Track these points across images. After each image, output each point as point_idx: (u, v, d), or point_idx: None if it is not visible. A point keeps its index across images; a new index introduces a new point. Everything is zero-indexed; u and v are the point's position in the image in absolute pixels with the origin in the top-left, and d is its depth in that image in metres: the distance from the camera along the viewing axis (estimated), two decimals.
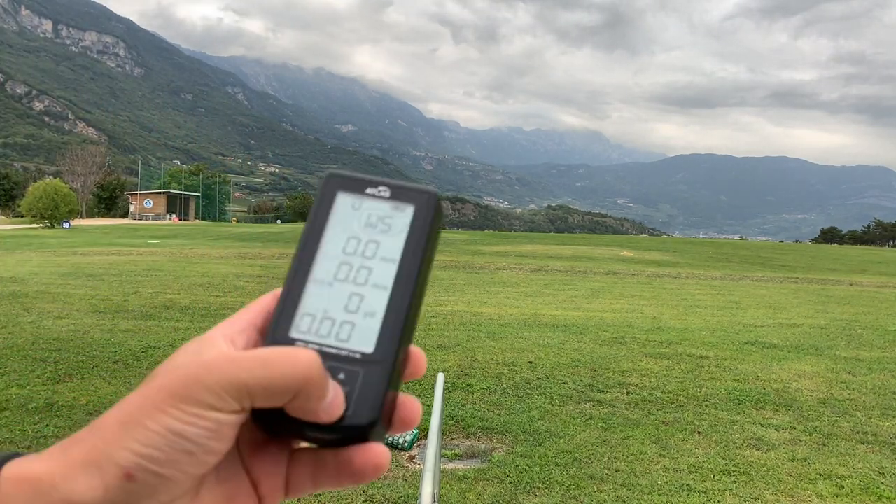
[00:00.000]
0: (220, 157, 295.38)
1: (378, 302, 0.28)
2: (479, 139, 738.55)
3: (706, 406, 3.81)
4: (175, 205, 52.36)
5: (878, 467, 2.98)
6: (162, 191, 52.52)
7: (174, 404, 0.23)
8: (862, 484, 2.80)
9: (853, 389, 4.29)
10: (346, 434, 0.26)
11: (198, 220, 52.35)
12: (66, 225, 30.12)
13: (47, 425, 3.10)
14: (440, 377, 2.05)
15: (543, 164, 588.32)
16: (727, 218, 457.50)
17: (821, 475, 2.87)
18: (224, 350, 0.25)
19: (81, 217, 45.53)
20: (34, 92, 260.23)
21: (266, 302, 0.29)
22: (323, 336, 0.27)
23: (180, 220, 49.54)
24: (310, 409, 0.25)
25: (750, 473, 2.85)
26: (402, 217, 0.30)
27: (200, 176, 60.31)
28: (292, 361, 0.24)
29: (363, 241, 0.29)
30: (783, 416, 3.69)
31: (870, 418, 3.69)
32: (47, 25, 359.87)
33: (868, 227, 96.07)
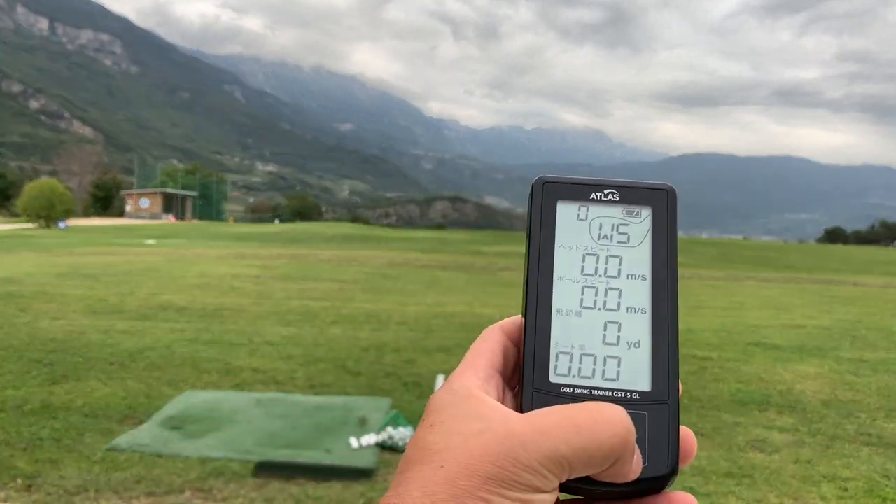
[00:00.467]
0: (218, 156, 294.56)
1: (640, 329, 0.25)
2: (479, 138, 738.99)
3: (709, 408, 3.78)
4: (172, 204, 52.21)
5: (882, 469, 2.96)
6: (158, 190, 52.32)
7: (494, 490, 0.20)
8: (866, 486, 2.78)
9: (857, 391, 4.27)
10: (645, 487, 0.23)
11: (195, 220, 52.18)
12: (61, 225, 29.94)
13: (43, 427, 3.06)
14: (440, 378, 2.02)
15: (545, 164, 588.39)
16: (731, 217, 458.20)
17: (825, 477, 2.85)
18: (520, 417, 0.22)
19: (77, 217, 45.35)
20: (30, 90, 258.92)
21: (497, 340, 0.26)
22: (587, 377, 0.25)
23: (177, 219, 49.39)
24: (621, 473, 0.22)
25: (753, 476, 2.83)
26: (640, 223, 0.26)
27: (197, 175, 60.07)
28: (609, 424, 0.21)
29: (602, 257, 0.26)
30: (787, 417, 3.67)
31: (874, 420, 3.68)
32: (43, 24, 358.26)
33: (873, 226, 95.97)
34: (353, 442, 2.93)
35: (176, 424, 3.14)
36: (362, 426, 3.16)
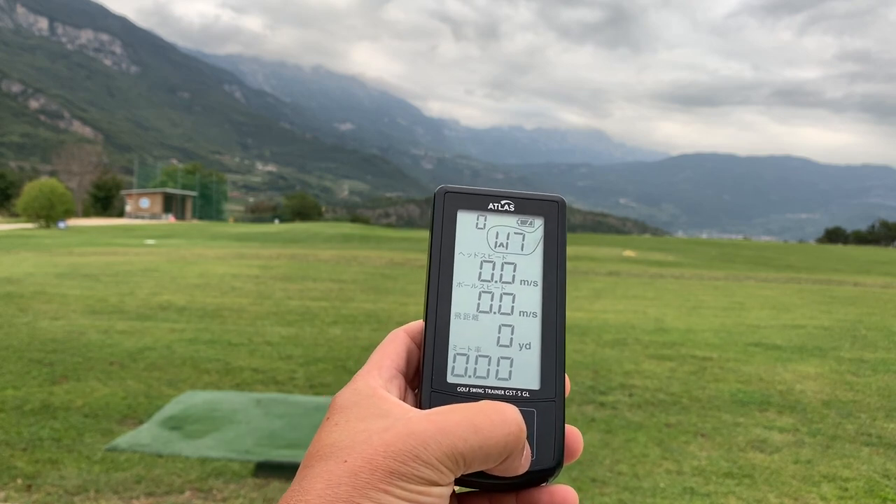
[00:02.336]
0: (217, 156, 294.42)
1: (531, 331, 0.27)
2: (479, 138, 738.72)
3: (709, 408, 3.78)
4: (172, 204, 52.20)
5: (882, 469, 2.96)
6: (158, 190, 52.29)
7: (395, 483, 0.21)
8: (866, 486, 2.77)
9: (857, 391, 4.27)
10: (531, 479, 0.25)
11: (195, 220, 52.16)
12: (61, 225, 29.92)
13: (43, 427, 3.06)
14: None
15: (545, 163, 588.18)
16: (731, 218, 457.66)
17: (825, 477, 2.84)
18: (421, 415, 0.23)
19: (77, 217, 45.32)
20: (29, 90, 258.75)
21: (401, 342, 0.27)
22: (482, 377, 0.26)
23: (177, 219, 49.36)
24: (512, 468, 0.24)
25: (753, 476, 2.83)
26: (533, 232, 0.28)
27: (197, 175, 60.02)
28: (504, 424, 0.23)
29: (498, 263, 0.27)
30: (787, 417, 3.67)
31: (874, 420, 3.68)
32: (43, 23, 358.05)
33: (873, 226, 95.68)
34: None
35: (176, 424, 3.14)
36: None
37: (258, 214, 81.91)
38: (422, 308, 0.27)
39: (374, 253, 17.34)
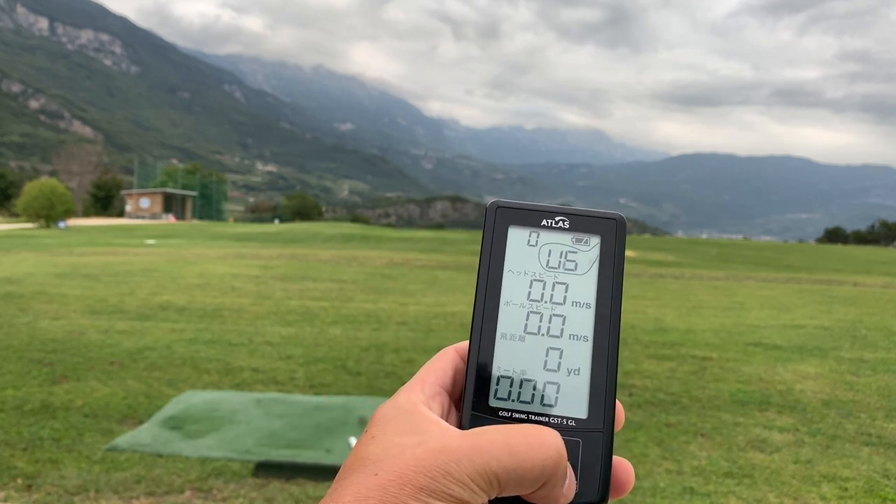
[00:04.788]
0: (217, 156, 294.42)
1: (581, 356, 0.25)
2: (479, 138, 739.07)
3: (709, 408, 3.78)
4: (172, 204, 52.21)
5: (882, 469, 2.97)
6: (159, 190, 52.29)
7: (424, 499, 0.20)
8: (866, 486, 2.78)
9: (857, 391, 4.28)
10: None
11: (195, 220, 52.16)
12: (61, 225, 29.92)
13: (43, 427, 3.06)
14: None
15: (545, 163, 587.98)
16: (731, 218, 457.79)
17: (825, 477, 2.85)
18: (457, 433, 0.23)
19: (77, 217, 45.32)
20: (29, 90, 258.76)
21: (449, 360, 0.26)
22: (526, 402, 0.25)
23: (177, 219, 49.37)
24: (552, 496, 0.23)
25: (753, 476, 2.83)
26: (588, 251, 0.26)
27: (197, 175, 60.00)
28: (541, 448, 0.22)
29: (549, 283, 0.26)
30: (787, 417, 3.67)
31: (874, 420, 3.68)
32: (43, 23, 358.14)
33: (873, 226, 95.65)
34: (353, 442, 2.93)
35: (176, 424, 3.14)
36: (362, 426, 3.16)
37: (258, 214, 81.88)
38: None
39: (374, 253, 17.33)
